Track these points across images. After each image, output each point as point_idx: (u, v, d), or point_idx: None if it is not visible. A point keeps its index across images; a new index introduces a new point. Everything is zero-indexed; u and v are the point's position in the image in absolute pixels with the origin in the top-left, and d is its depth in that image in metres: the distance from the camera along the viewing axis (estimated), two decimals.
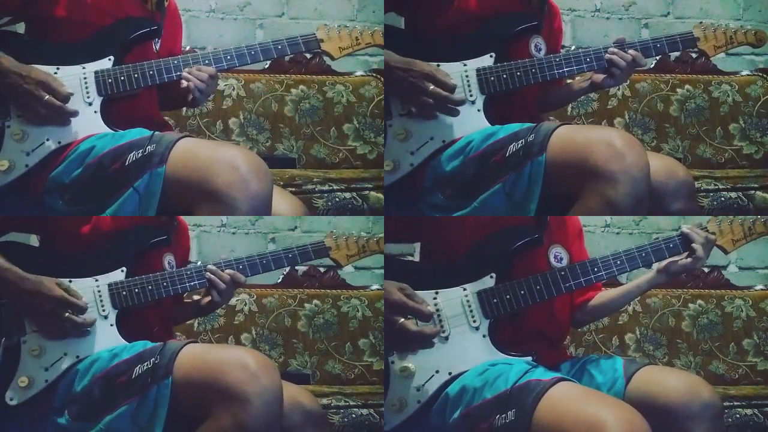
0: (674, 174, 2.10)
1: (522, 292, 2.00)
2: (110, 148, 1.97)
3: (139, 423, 1.90)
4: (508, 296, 1.99)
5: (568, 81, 2.22)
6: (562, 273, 2.01)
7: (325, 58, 2.82)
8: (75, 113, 2.00)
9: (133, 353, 1.95)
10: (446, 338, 1.98)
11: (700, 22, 2.13)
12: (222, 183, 1.89)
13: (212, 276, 2.06)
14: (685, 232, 2.02)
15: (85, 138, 2.01)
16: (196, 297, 2.18)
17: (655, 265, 2.06)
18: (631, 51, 2.05)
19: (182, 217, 2.23)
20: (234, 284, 2.08)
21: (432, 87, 2.01)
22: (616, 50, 2.05)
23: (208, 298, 2.10)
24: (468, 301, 1.99)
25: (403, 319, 1.96)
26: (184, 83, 2.07)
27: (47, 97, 1.98)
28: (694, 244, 2.01)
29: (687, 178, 2.13)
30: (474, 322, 1.99)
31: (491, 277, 2.00)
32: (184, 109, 2.79)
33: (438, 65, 2.05)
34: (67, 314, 1.96)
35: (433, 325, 1.97)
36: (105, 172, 1.96)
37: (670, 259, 2.03)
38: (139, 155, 1.94)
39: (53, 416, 1.95)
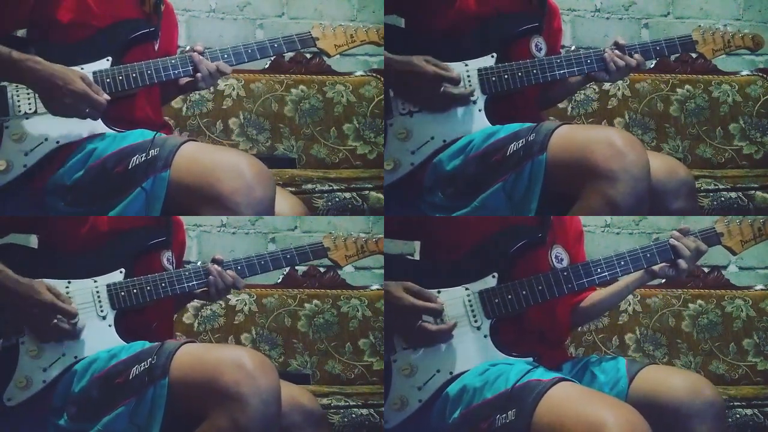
0: (675, 173, 2.10)
1: (524, 292, 1.99)
2: (113, 151, 1.97)
3: (137, 423, 1.89)
4: (509, 296, 1.99)
5: None
6: (565, 273, 2.01)
7: (325, 58, 2.84)
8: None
9: (130, 353, 1.94)
10: None
11: (699, 26, 2.14)
12: (227, 189, 1.90)
13: (214, 278, 2.07)
14: (672, 244, 2.00)
15: (86, 139, 2.01)
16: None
17: None
18: (636, 56, 2.05)
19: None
20: (232, 286, 2.09)
21: (444, 87, 2.02)
22: (615, 53, 2.05)
23: (204, 289, 2.10)
24: (470, 300, 1.99)
25: (421, 322, 1.96)
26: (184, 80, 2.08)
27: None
28: (680, 260, 2.00)
29: (687, 177, 2.12)
30: (475, 322, 1.99)
31: (493, 276, 2.00)
32: (184, 108, 2.79)
33: None
34: (55, 321, 1.95)
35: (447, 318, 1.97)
36: (108, 174, 1.96)
37: (661, 265, 2.03)
38: (143, 159, 1.95)
39: (52, 417, 1.94)
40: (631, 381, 1.99)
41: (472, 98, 2.05)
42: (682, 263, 2.00)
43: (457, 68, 2.05)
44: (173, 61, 2.08)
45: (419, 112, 2.05)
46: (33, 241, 2.19)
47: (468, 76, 2.06)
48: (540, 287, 1.99)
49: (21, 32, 2.11)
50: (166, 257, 2.10)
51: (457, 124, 2.04)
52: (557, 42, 2.25)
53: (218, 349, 2.04)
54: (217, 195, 1.90)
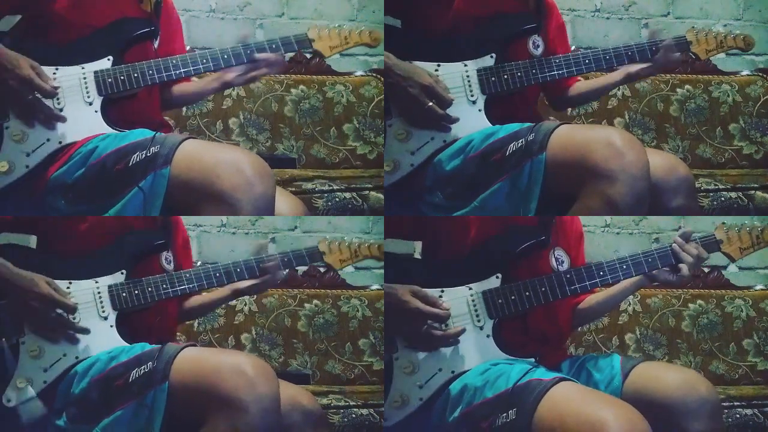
0: (674, 170, 2.10)
1: (527, 293, 1.99)
2: (113, 149, 1.98)
3: (136, 427, 1.88)
4: (513, 297, 1.99)
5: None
6: (568, 276, 2.01)
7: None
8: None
9: (130, 356, 1.94)
10: None
11: (693, 27, 2.14)
12: (227, 185, 1.90)
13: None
14: (675, 250, 2.00)
15: (87, 139, 2.01)
16: None
17: None
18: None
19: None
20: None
21: (429, 104, 2.02)
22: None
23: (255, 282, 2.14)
24: (473, 300, 1.99)
25: (427, 326, 1.97)
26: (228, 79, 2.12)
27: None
28: (681, 265, 2.00)
29: (687, 175, 2.12)
30: (478, 321, 1.99)
31: (497, 277, 2.00)
32: (184, 108, 2.79)
33: (438, 65, 2.06)
34: (55, 313, 1.95)
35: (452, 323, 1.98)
36: (108, 172, 1.96)
37: (661, 269, 2.03)
38: (143, 156, 1.95)
39: (52, 418, 1.94)
40: (626, 378, 1.99)
41: (471, 98, 2.05)
42: (684, 269, 1.99)
43: (456, 68, 2.06)
44: (174, 62, 2.09)
45: None
46: (32, 241, 2.19)
47: (467, 77, 2.06)
48: (543, 289, 2.00)
49: (21, 34, 2.11)
50: (165, 257, 2.11)
51: (457, 125, 2.04)
52: (563, 40, 2.23)
53: (219, 355, 2.02)
54: (218, 192, 1.90)
